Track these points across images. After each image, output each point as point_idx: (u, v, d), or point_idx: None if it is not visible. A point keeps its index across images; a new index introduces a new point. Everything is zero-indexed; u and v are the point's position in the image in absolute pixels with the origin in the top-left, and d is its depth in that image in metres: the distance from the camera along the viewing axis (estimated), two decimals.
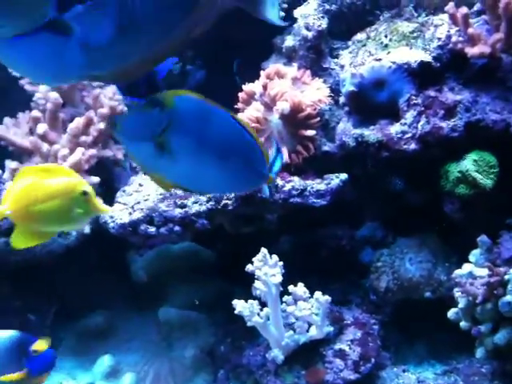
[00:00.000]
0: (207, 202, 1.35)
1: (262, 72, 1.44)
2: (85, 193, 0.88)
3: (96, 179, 1.39)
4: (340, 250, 1.53)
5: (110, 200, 1.41)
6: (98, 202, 0.91)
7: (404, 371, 1.40)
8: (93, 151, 1.41)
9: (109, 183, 1.51)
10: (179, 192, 1.34)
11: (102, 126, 1.43)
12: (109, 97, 1.50)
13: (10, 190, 0.91)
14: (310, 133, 1.38)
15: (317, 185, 1.36)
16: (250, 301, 1.27)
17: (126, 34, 0.42)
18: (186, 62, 1.90)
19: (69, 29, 0.39)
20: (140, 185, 1.40)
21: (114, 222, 1.34)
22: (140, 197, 1.36)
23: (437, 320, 1.31)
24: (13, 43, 0.37)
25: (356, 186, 1.46)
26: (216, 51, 1.83)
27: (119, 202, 1.36)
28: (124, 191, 1.41)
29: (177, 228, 1.34)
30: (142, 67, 0.49)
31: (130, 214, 1.32)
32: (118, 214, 1.34)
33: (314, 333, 1.30)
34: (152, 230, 1.31)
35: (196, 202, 1.35)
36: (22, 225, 0.91)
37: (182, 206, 1.35)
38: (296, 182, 1.36)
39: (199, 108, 0.67)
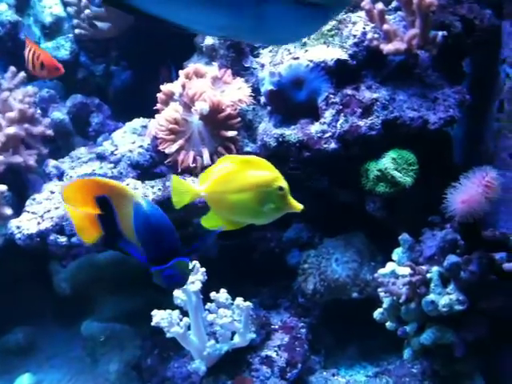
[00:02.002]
0: None
1: (180, 72, 1.38)
2: (281, 188, 0.87)
3: (3, 187, 1.29)
4: (270, 253, 1.50)
5: (20, 209, 1.33)
6: (292, 199, 0.89)
7: (334, 375, 1.37)
8: (0, 158, 1.31)
9: (21, 191, 1.41)
10: None
11: (10, 130, 1.34)
12: (19, 99, 1.41)
13: (208, 172, 0.90)
14: (231, 133, 1.34)
15: None
16: (168, 311, 1.21)
17: None
18: (110, 63, 1.83)
19: None
20: (52, 192, 1.31)
21: (20, 232, 1.25)
22: (51, 205, 1.27)
23: (367, 320, 1.29)
24: None
25: None
26: (141, 51, 1.76)
27: (27, 211, 1.27)
28: (34, 199, 1.32)
29: None
30: None
31: (39, 223, 1.24)
32: (25, 224, 1.25)
33: (237, 340, 1.25)
34: (63, 240, 1.23)
35: None
36: (215, 209, 0.90)
37: None
38: None
39: None
